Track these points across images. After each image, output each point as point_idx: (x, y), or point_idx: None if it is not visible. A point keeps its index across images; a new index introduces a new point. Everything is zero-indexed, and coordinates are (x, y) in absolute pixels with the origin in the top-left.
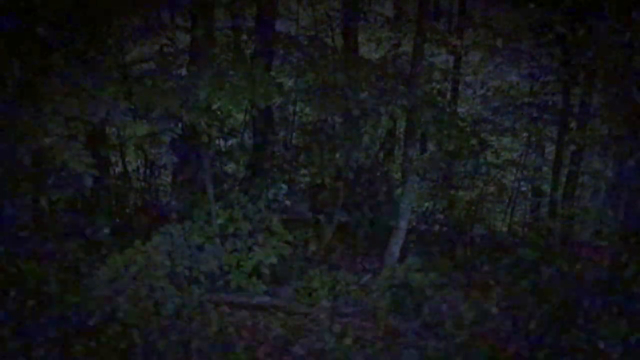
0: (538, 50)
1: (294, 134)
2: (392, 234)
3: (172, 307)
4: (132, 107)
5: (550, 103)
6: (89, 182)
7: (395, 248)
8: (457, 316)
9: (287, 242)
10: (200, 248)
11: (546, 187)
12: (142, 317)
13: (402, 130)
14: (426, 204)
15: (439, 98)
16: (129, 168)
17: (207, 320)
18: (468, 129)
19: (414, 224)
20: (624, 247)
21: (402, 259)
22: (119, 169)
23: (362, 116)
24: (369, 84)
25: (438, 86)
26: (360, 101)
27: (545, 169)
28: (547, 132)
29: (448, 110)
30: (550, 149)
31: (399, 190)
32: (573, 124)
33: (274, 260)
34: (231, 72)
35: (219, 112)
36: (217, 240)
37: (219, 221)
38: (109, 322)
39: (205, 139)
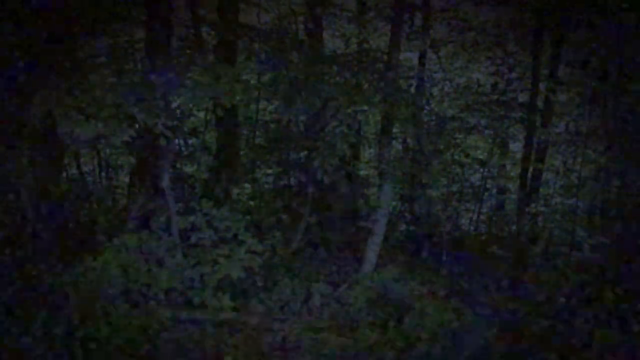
0: (505, 47)
1: (258, 132)
2: (368, 240)
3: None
4: (81, 105)
5: (517, 101)
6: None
7: (371, 255)
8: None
9: (256, 252)
10: (159, 261)
11: (511, 186)
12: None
13: (366, 128)
14: (393, 203)
15: (416, 96)
16: (84, 169)
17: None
18: (443, 128)
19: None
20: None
21: (379, 265)
22: (73, 172)
23: (335, 114)
24: (343, 80)
25: (412, 83)
26: (331, 98)
27: (509, 166)
28: (513, 130)
29: (427, 108)
30: (512, 145)
31: (371, 191)
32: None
33: (241, 273)
34: (192, 68)
35: (178, 111)
36: (178, 252)
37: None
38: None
39: (163, 141)
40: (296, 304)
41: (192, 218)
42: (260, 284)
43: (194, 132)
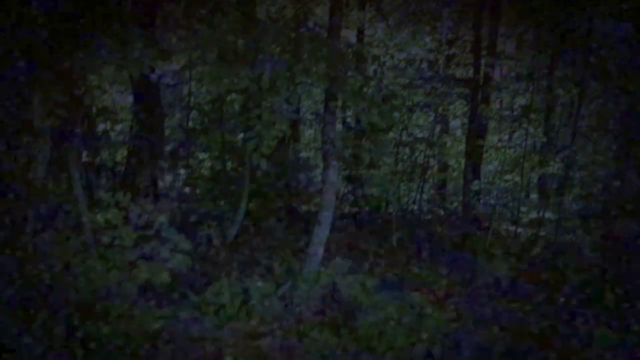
0: (446, 21)
1: (191, 114)
2: (314, 230)
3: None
4: None
5: (458, 76)
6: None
7: (317, 248)
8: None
9: (184, 252)
10: (66, 267)
11: (453, 163)
12: None
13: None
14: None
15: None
16: None
17: None
18: (392, 103)
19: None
20: None
21: (326, 257)
22: None
23: (271, 90)
24: (280, 50)
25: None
26: (266, 72)
27: (449, 144)
28: (453, 107)
29: (374, 83)
30: (452, 123)
31: (313, 174)
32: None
33: (166, 278)
34: (98, 33)
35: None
36: (91, 255)
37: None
38: None
39: (55, 123)
40: (234, 306)
41: (106, 215)
42: (190, 285)
43: (103, 111)
